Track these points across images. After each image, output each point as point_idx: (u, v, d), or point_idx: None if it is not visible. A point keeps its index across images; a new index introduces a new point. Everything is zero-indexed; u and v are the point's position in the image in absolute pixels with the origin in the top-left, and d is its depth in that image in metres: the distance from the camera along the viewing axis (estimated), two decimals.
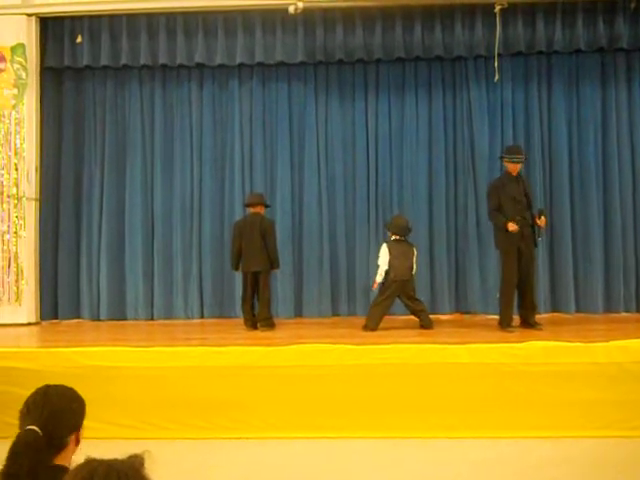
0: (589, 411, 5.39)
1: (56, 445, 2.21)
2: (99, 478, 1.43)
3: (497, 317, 6.95)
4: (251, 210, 7.26)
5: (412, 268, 7.05)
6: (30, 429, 2.13)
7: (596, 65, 8.20)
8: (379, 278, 7.04)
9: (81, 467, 1.49)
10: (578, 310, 8.09)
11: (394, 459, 5.06)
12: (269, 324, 7.16)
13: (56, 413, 2.22)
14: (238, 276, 7.54)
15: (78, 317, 8.36)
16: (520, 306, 6.93)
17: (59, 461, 2.22)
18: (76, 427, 2.29)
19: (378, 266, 7.06)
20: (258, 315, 7.18)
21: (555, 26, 7.87)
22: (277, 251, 7.20)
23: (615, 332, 6.45)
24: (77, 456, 2.34)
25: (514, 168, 6.76)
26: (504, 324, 6.71)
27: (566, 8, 7.87)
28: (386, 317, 7.16)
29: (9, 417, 2.46)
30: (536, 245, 6.83)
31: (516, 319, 6.87)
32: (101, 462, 1.50)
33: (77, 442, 2.29)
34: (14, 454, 2.06)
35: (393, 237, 7.15)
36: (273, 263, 7.17)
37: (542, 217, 6.65)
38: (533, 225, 6.71)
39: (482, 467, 4.81)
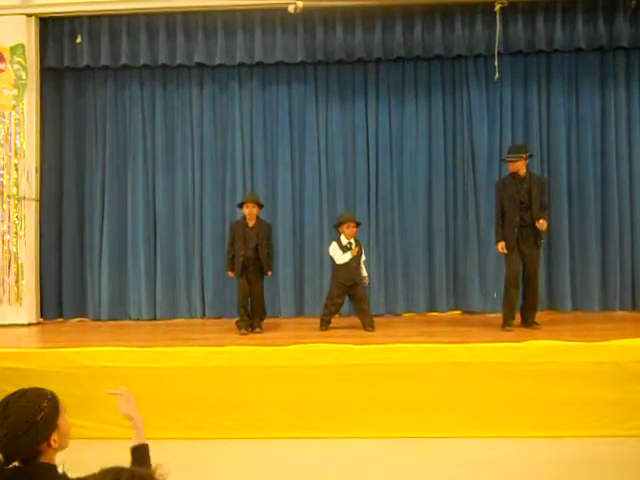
0: (589, 411, 5.41)
1: (25, 455, 2.17)
2: None
3: (497, 316, 7.01)
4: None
5: (359, 268, 6.98)
6: None
7: (596, 64, 8.19)
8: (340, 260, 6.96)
9: (105, 473, 1.50)
10: (574, 308, 8.12)
11: (394, 459, 5.06)
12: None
13: (15, 434, 2.16)
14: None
15: (83, 316, 8.40)
16: (522, 305, 6.96)
17: (42, 460, 2.21)
18: (45, 436, 2.22)
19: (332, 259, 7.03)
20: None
21: (555, 25, 7.86)
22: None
23: (614, 331, 6.46)
24: (79, 454, 2.34)
25: (510, 167, 6.80)
26: (504, 323, 6.75)
27: (566, 7, 7.86)
28: (386, 316, 7.16)
29: None
30: (538, 247, 6.82)
31: (517, 318, 6.88)
32: (123, 468, 1.50)
33: (49, 445, 2.22)
34: None
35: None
36: None
37: (541, 220, 6.63)
38: (534, 226, 6.70)
39: (482, 467, 4.82)
